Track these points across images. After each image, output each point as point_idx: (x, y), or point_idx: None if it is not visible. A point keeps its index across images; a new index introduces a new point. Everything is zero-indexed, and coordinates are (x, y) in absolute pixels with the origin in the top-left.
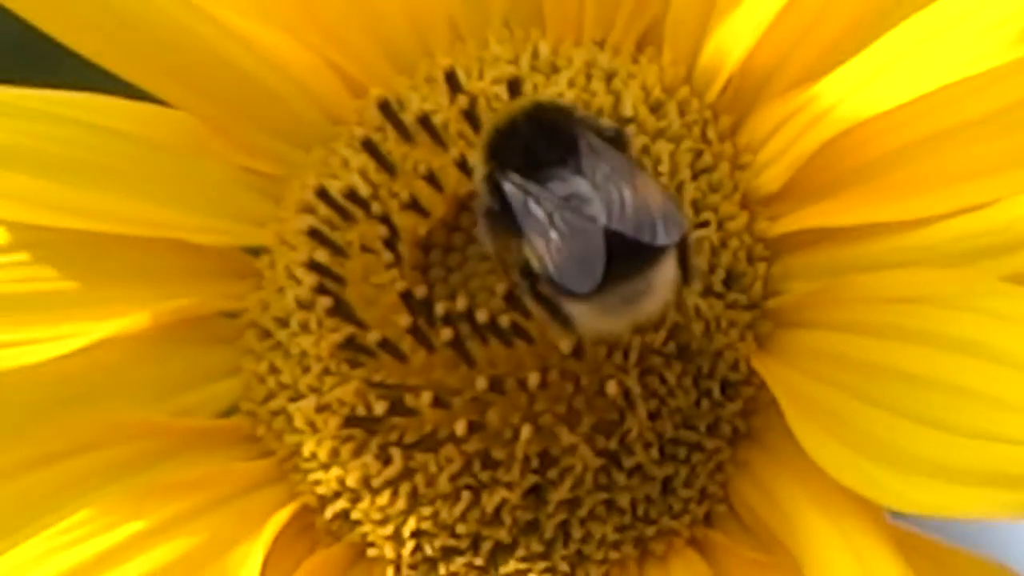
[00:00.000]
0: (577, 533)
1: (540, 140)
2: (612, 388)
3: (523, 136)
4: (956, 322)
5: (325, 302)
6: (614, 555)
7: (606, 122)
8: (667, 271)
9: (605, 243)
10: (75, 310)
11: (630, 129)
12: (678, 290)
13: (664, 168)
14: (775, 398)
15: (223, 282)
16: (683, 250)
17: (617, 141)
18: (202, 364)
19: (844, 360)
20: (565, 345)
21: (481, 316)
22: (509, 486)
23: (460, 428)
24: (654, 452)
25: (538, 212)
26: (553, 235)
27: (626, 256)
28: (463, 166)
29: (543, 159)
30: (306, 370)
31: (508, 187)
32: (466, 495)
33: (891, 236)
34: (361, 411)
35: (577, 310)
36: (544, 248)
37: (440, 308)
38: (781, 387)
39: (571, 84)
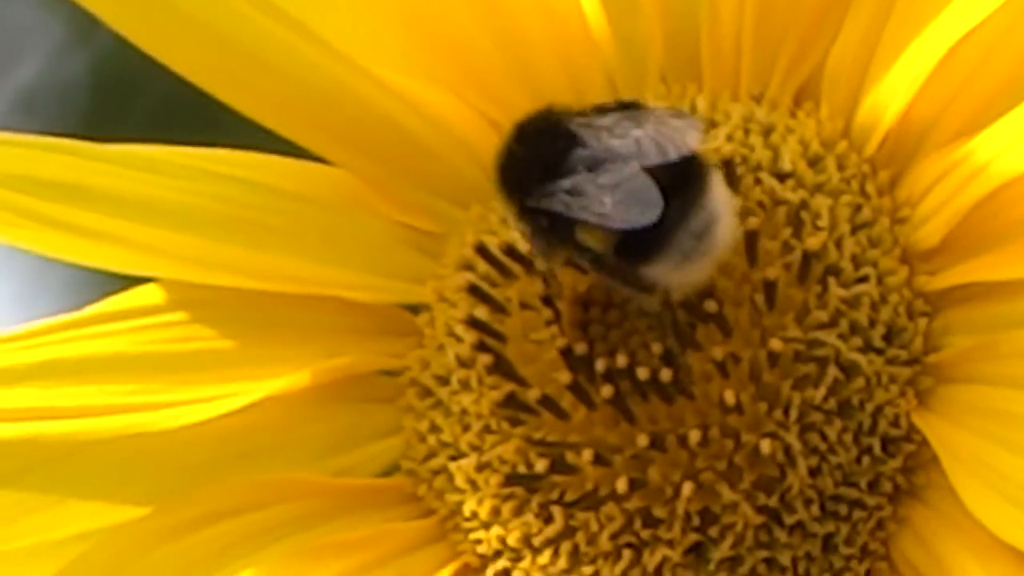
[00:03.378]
0: None
1: (539, 148)
2: (767, 446)
3: (522, 156)
4: None
5: (485, 359)
6: None
7: (604, 103)
8: (721, 192)
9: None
10: (234, 370)
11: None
12: None
13: (823, 223)
14: (936, 454)
15: (383, 340)
16: (731, 173)
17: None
18: (362, 423)
19: (1006, 415)
20: (729, 397)
21: (642, 373)
22: (670, 544)
23: (621, 486)
24: (815, 509)
25: (576, 199)
26: (605, 199)
27: (676, 194)
28: None
29: (553, 161)
30: (467, 428)
31: (543, 202)
32: (627, 553)
33: None
34: (522, 469)
35: (657, 271)
36: (599, 214)
37: (600, 365)
38: (942, 443)
39: (729, 139)
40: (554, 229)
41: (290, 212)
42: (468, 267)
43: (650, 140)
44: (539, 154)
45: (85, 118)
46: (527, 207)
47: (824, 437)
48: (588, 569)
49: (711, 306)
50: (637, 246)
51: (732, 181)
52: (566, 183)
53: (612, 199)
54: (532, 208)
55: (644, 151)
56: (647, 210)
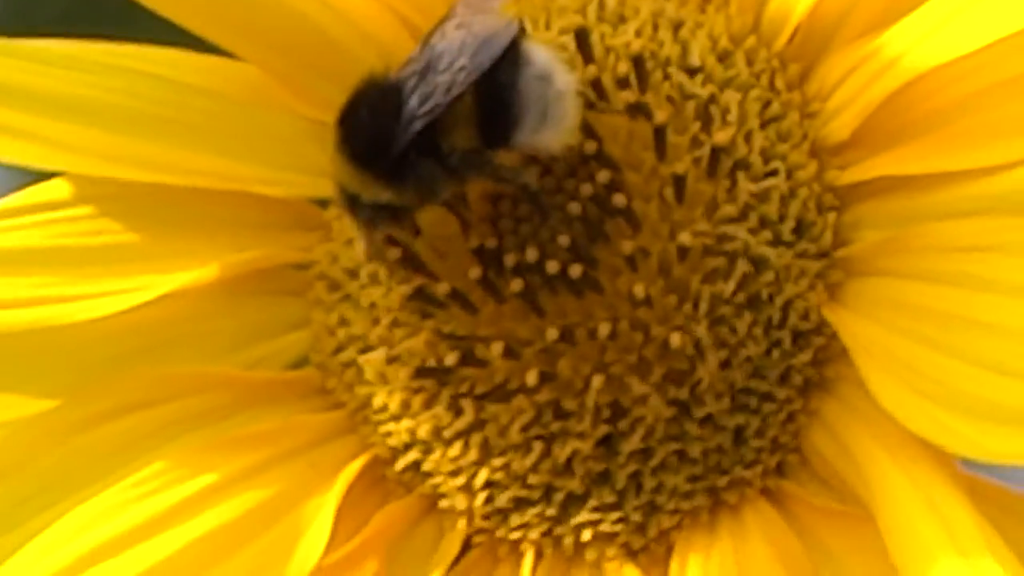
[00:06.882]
0: (649, 484)
1: (371, 110)
2: (676, 339)
3: (361, 125)
4: None
5: (395, 253)
6: (686, 505)
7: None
8: (538, 47)
9: None
10: (143, 263)
11: None
12: None
13: (732, 117)
14: (846, 347)
15: (291, 234)
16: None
17: None
18: (272, 316)
19: (915, 308)
20: (639, 291)
21: (551, 267)
22: (580, 436)
23: (531, 378)
24: (725, 402)
25: (432, 98)
26: (460, 61)
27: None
28: None
29: (392, 105)
30: (376, 321)
31: (407, 133)
32: (537, 446)
33: (961, 184)
34: (432, 362)
35: (527, 132)
36: (464, 72)
37: (510, 259)
38: (852, 336)
39: (638, 34)
40: (423, 164)
41: (200, 107)
42: None
43: (468, 27)
44: (375, 112)
45: None
46: (393, 162)
47: (734, 330)
48: (498, 461)
49: (620, 200)
50: (497, 119)
51: (641, 77)
52: (412, 101)
53: (468, 55)
54: (398, 160)
55: (469, 25)
56: (503, 30)
